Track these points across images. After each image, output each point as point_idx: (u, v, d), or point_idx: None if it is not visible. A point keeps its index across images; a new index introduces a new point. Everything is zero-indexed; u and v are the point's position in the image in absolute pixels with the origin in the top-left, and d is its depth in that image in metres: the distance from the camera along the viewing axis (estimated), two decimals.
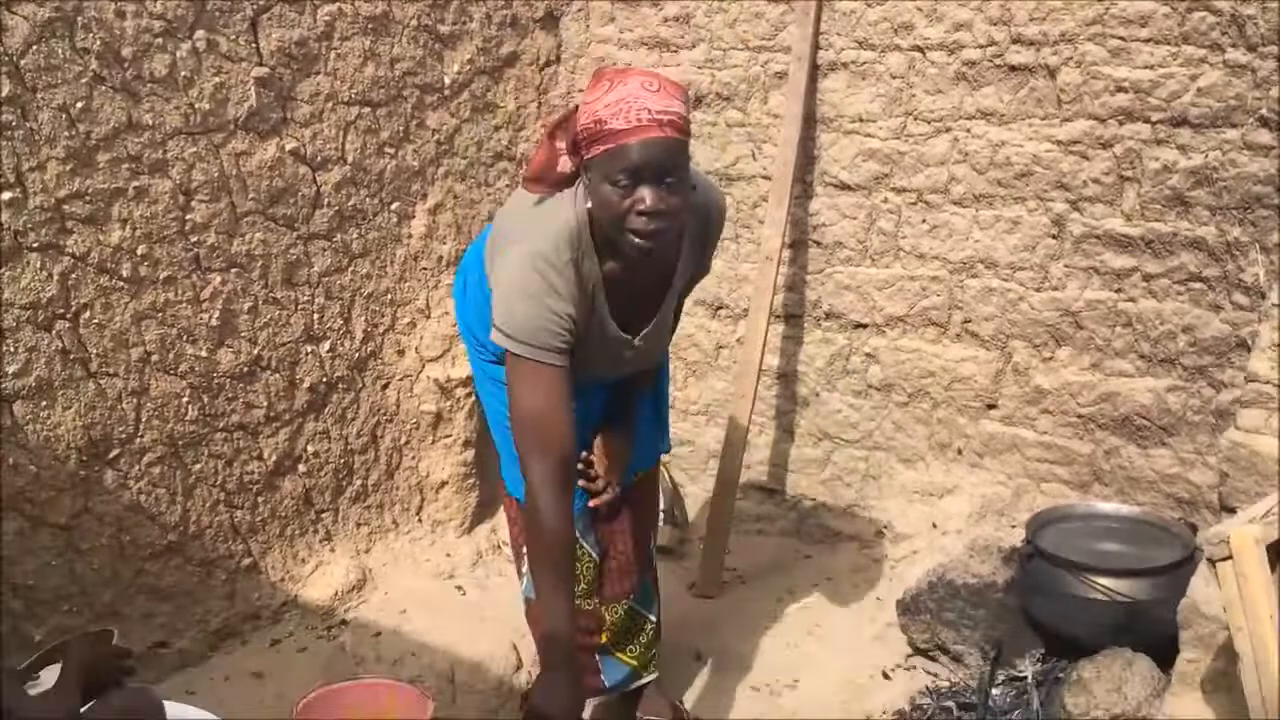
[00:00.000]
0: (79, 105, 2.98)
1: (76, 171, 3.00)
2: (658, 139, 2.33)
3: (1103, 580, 3.02)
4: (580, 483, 2.79)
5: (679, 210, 2.41)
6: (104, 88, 3.03)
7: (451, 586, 3.79)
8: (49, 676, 2.31)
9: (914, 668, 3.35)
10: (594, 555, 2.91)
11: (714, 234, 2.75)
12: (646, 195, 2.35)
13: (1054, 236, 3.54)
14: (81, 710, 2.22)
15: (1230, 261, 3.24)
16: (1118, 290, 3.46)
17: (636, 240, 2.39)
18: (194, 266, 3.32)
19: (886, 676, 3.33)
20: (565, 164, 2.46)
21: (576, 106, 2.45)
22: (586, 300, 2.50)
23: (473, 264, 2.80)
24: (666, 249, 2.49)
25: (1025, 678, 3.11)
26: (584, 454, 2.81)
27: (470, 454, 4.05)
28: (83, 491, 3.14)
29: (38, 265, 2.96)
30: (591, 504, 2.85)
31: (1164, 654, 2.82)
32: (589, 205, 2.46)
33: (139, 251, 3.18)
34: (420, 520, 4.04)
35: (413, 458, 4.01)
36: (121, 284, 3.15)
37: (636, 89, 2.36)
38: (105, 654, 2.35)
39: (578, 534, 2.85)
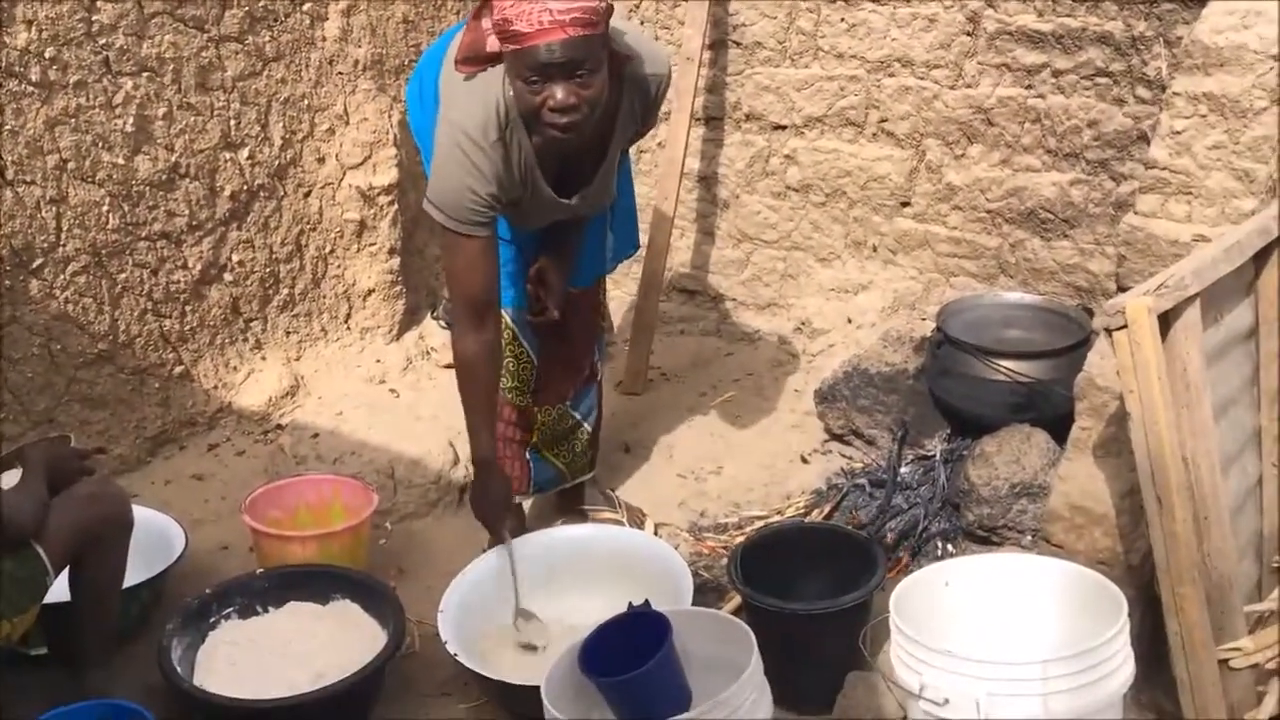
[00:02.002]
0: None
1: None
2: (561, 40, 2.37)
3: (1005, 363, 3.21)
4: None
5: (594, 100, 2.48)
6: None
7: (385, 390, 3.88)
8: (8, 480, 2.37)
9: (830, 452, 3.55)
10: (532, 356, 3.02)
11: (655, 102, 2.79)
12: (557, 91, 2.42)
13: (969, 34, 3.60)
14: (49, 502, 2.30)
15: (1135, 56, 3.34)
16: (1028, 87, 3.56)
17: (552, 132, 2.49)
18: (104, 70, 3.24)
19: (804, 460, 3.54)
20: (492, 43, 2.48)
21: None
22: (515, 174, 2.60)
23: (429, 67, 2.78)
24: (589, 129, 2.56)
25: (933, 456, 3.32)
26: (530, 274, 2.92)
27: (395, 262, 4.08)
28: (9, 301, 3.13)
29: None
30: (530, 319, 2.95)
31: (1059, 429, 3.03)
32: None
33: (47, 55, 3.08)
34: (349, 328, 4.10)
35: (338, 266, 4.03)
36: (31, 89, 3.07)
37: None
38: (65, 454, 2.42)
39: (516, 333, 2.95)
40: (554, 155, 2.64)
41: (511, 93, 2.50)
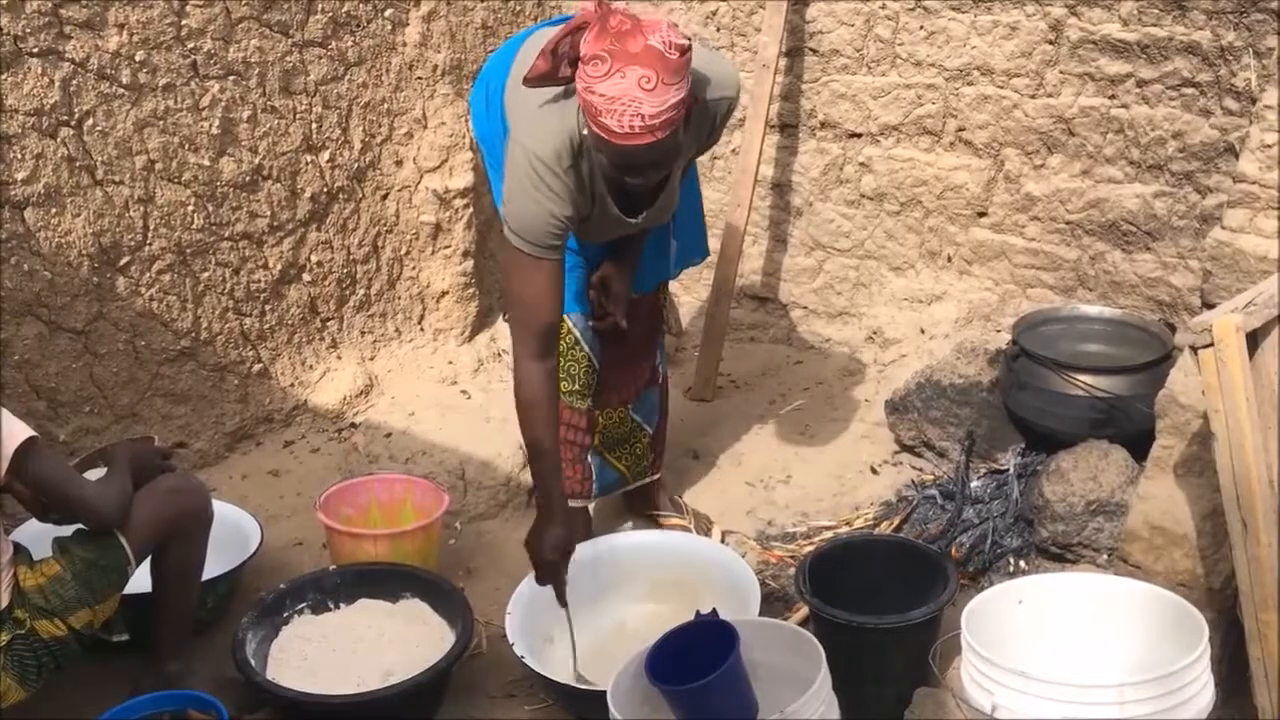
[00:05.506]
0: None
1: None
2: (650, 144, 2.38)
3: (1083, 377, 3.15)
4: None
5: (671, 168, 2.57)
6: None
7: (456, 391, 3.92)
8: (93, 477, 2.46)
9: (900, 463, 3.52)
10: (594, 360, 3.04)
11: (720, 125, 2.78)
12: (639, 178, 2.49)
13: (1051, 42, 3.54)
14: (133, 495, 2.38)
15: (1223, 66, 3.27)
16: (1111, 96, 3.49)
17: (629, 189, 2.56)
18: (192, 74, 3.31)
19: (874, 471, 3.51)
20: (565, 70, 2.47)
21: (576, 27, 2.42)
22: (587, 195, 2.62)
23: (495, 75, 2.81)
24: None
25: (1006, 470, 3.27)
26: (592, 279, 2.94)
27: (469, 264, 4.12)
28: (97, 298, 3.21)
29: (39, 71, 2.95)
30: (593, 325, 2.97)
31: (1138, 446, 2.97)
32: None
33: (137, 58, 3.16)
34: (422, 329, 4.14)
35: (413, 268, 4.08)
36: (122, 91, 3.15)
37: (633, 88, 2.32)
38: (148, 452, 2.50)
39: (579, 338, 2.97)
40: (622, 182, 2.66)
41: (585, 131, 2.48)
